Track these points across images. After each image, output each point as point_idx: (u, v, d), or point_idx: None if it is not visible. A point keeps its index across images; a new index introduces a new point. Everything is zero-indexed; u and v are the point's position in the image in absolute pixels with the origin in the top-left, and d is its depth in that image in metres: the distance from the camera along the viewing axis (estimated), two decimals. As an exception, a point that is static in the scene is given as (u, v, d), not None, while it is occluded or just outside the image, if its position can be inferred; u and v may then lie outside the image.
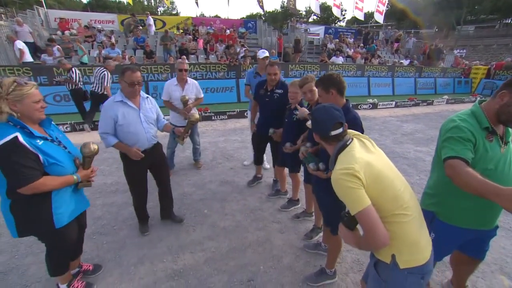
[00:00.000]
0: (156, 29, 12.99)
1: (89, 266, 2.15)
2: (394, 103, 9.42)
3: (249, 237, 2.60)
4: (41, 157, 1.47)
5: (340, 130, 1.27)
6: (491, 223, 1.52)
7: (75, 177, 1.64)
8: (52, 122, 1.70)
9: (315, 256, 2.36)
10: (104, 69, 5.51)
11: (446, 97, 10.67)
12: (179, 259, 2.33)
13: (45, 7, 10.99)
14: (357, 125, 1.68)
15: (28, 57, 7.90)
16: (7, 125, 1.41)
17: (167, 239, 2.57)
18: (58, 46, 8.65)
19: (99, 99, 5.58)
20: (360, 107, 8.84)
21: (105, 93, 5.58)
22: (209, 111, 6.73)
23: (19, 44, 7.52)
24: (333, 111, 1.30)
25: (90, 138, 4.78)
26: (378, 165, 1.16)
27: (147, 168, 2.48)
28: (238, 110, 6.95)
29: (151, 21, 11.91)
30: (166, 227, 2.73)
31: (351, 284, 2.09)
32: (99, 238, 2.57)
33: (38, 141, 1.49)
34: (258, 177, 3.61)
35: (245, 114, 3.77)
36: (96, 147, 1.75)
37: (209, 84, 8.55)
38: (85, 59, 8.83)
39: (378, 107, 9.07)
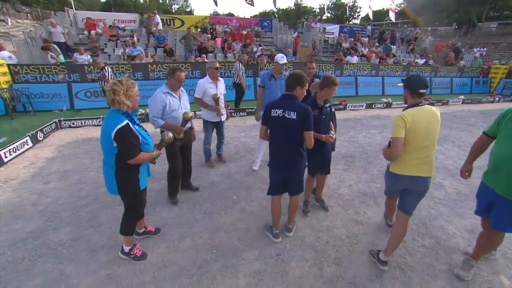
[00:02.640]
0: (175, 28, 13.50)
1: (152, 228, 2.69)
2: (408, 102, 9.47)
3: (275, 220, 2.94)
4: (140, 138, 2.00)
5: (425, 90, 2.05)
6: (506, 191, 1.86)
7: (154, 154, 2.16)
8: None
9: (334, 237, 2.68)
10: (239, 62, 7.05)
11: (462, 97, 10.60)
12: (215, 236, 2.70)
13: (74, 8, 11.65)
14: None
15: None
16: (118, 113, 1.93)
17: (203, 220, 2.95)
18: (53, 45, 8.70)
19: (237, 87, 7.33)
20: (374, 106, 8.97)
21: (238, 82, 7.05)
22: (229, 108, 7.08)
23: None
24: (425, 79, 2.07)
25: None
26: (420, 127, 1.97)
27: (180, 146, 3.07)
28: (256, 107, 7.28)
29: (158, 19, 12.30)
30: (200, 211, 3.10)
31: (366, 262, 2.39)
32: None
33: (136, 126, 2.03)
34: None
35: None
36: (172, 136, 2.31)
37: (227, 82, 8.87)
38: (61, 58, 8.62)
39: (392, 106, 9.17)
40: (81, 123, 6.14)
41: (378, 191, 3.59)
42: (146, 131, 2.17)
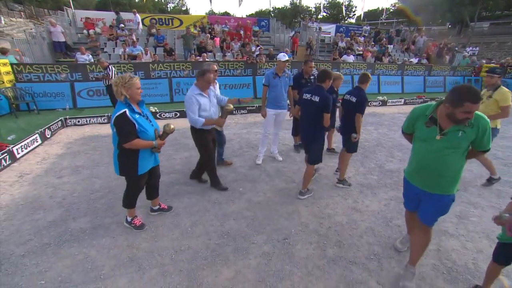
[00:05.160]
0: (173, 27, 13.60)
1: (165, 206, 3.04)
2: (403, 100, 9.78)
3: (280, 209, 3.16)
4: (136, 126, 2.25)
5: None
6: (430, 186, 1.94)
7: (154, 143, 2.40)
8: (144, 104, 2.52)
9: (335, 223, 2.91)
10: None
11: (455, 95, 10.93)
12: (225, 223, 2.90)
13: (72, 8, 11.68)
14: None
15: None
16: (122, 103, 2.25)
17: (212, 209, 3.15)
18: None
19: None
20: (370, 104, 9.24)
21: None
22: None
23: None
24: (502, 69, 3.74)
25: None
26: None
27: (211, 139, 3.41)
28: (257, 105, 7.49)
29: (139, 18, 12.20)
30: (210, 202, 3.30)
31: (365, 244, 2.62)
32: (158, 207, 3.17)
33: (136, 115, 2.29)
34: (299, 143, 4.83)
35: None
36: (173, 127, 2.56)
37: (227, 81, 9.11)
38: (12, 59, 7.67)
39: (388, 104, 9.46)
40: (86, 121, 6.28)
41: (374, 182, 3.83)
42: (152, 121, 2.48)
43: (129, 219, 2.76)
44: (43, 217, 2.90)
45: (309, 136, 3.18)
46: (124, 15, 12.51)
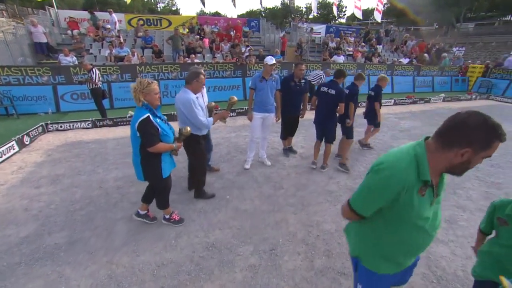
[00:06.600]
0: (162, 28, 13.35)
1: (151, 214, 2.96)
2: (392, 101, 9.86)
3: (267, 217, 3.07)
4: (160, 130, 2.29)
5: None
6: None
7: (174, 145, 2.48)
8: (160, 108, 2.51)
9: (324, 232, 2.84)
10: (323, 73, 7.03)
11: (443, 95, 11.11)
12: (210, 234, 2.79)
13: (55, 7, 11.29)
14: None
15: None
16: (142, 108, 2.26)
17: (198, 220, 3.03)
18: None
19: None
20: (360, 104, 9.26)
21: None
22: (219, 108, 7.14)
23: None
24: None
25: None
26: None
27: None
28: (246, 107, 7.38)
29: (115, 18, 11.67)
30: (195, 211, 3.18)
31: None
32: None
33: (158, 119, 2.33)
34: (288, 147, 4.91)
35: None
36: (190, 129, 2.62)
37: (216, 83, 8.98)
38: None
39: (378, 104, 9.50)
40: (69, 126, 6.04)
41: (364, 187, 3.79)
42: (168, 125, 2.51)
43: (166, 216, 2.85)
44: (15, 233, 2.72)
45: (325, 123, 3.97)
46: (101, 15, 11.88)
